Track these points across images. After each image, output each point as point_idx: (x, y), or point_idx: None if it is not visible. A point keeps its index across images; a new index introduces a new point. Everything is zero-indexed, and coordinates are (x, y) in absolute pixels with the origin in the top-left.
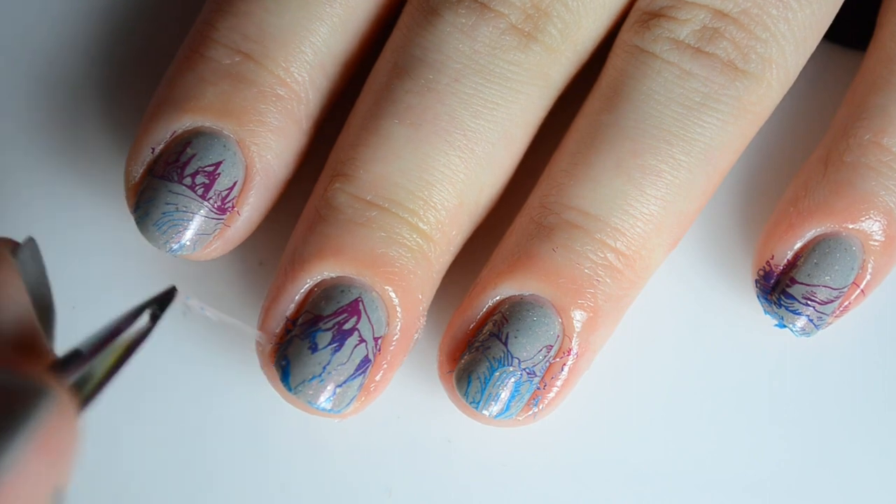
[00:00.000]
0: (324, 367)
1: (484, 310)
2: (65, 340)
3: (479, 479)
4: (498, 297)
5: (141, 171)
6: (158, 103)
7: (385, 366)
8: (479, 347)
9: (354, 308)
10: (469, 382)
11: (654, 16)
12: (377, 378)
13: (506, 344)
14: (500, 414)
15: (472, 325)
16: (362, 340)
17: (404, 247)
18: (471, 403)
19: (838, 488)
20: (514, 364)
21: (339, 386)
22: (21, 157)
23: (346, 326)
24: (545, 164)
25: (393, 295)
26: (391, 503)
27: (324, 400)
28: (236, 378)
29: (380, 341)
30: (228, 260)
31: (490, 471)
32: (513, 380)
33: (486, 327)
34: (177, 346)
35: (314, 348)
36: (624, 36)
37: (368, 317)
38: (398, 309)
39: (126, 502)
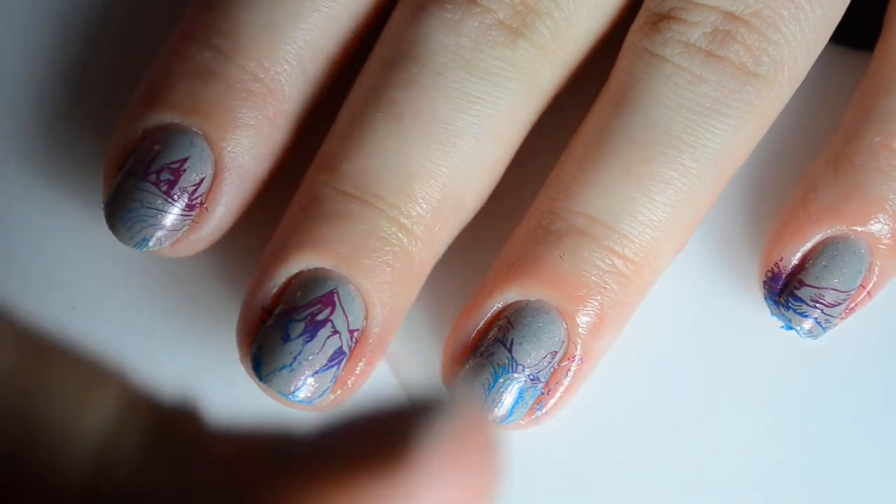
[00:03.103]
0: (294, 357)
1: (489, 314)
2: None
3: None
4: (503, 302)
5: (114, 168)
6: (133, 101)
7: (363, 359)
8: (483, 353)
9: (329, 300)
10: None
11: (664, 17)
12: (355, 371)
13: (510, 350)
14: (503, 420)
15: (476, 330)
16: (336, 332)
17: (383, 240)
18: None
19: (842, 489)
20: (518, 371)
21: (311, 377)
22: (18, 156)
23: (320, 317)
24: (550, 167)
25: (370, 288)
26: None
27: (294, 390)
28: (236, 376)
29: (356, 334)
30: (228, 260)
31: None
32: (517, 386)
33: (491, 333)
34: (173, 350)
35: (286, 338)
36: (633, 38)
37: (343, 309)
38: (376, 303)
39: None
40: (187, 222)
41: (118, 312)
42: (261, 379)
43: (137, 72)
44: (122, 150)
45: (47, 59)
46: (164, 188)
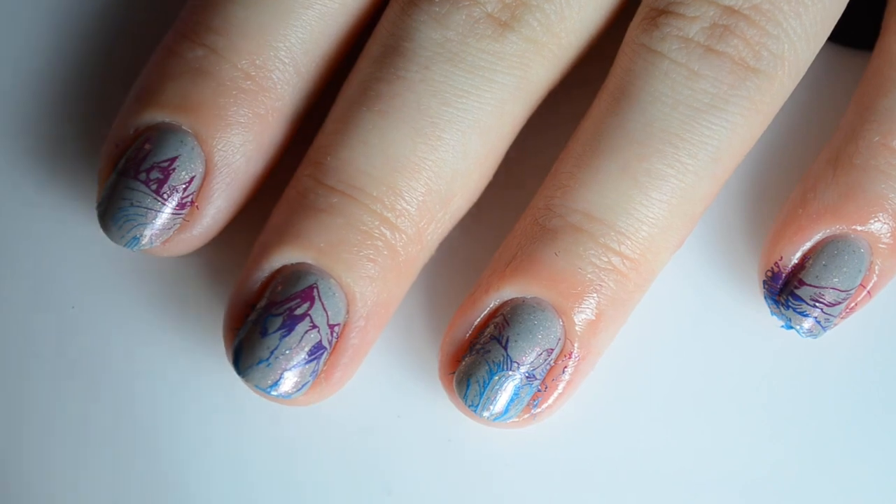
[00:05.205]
0: (271, 352)
1: (486, 312)
2: (65, 340)
3: (479, 478)
4: (499, 300)
5: (108, 167)
6: (127, 101)
7: (346, 355)
8: (479, 350)
9: (308, 294)
10: (468, 386)
11: (662, 12)
12: (337, 366)
13: (505, 348)
14: (498, 417)
15: (473, 327)
16: (314, 326)
17: (365, 234)
18: (469, 406)
19: (841, 488)
20: (513, 368)
21: (288, 371)
22: (20, 156)
23: (298, 312)
24: (551, 165)
25: (351, 283)
26: (391, 503)
27: (271, 384)
28: (234, 376)
29: (337, 329)
30: (234, 259)
31: (490, 470)
32: (512, 384)
33: (487, 330)
34: (170, 348)
35: (264, 333)
36: (632, 34)
37: (323, 304)
38: (357, 297)
39: (129, 499)
40: (178, 221)
41: (117, 312)
42: (239, 373)
43: (137, 71)
44: (116, 150)
45: (46, 60)
46: (154, 187)
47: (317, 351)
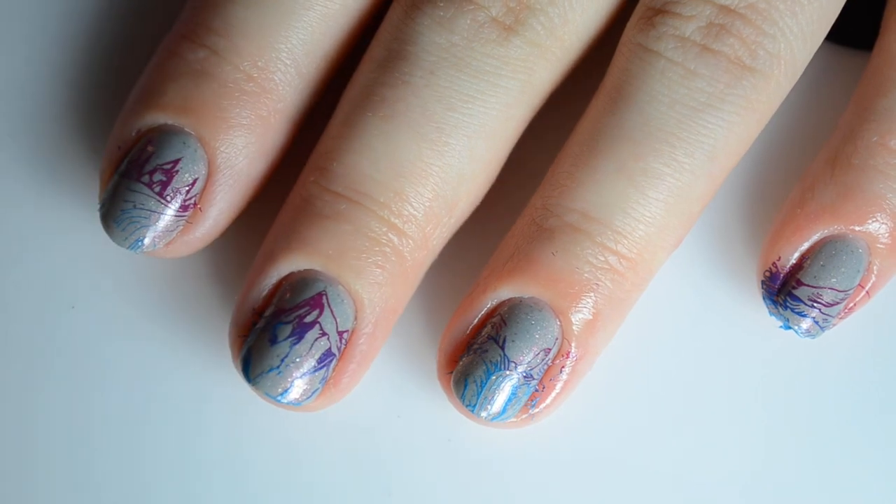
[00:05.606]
0: (282, 360)
1: (483, 312)
2: (65, 341)
3: (479, 479)
4: (497, 300)
5: (110, 169)
6: (129, 102)
7: (354, 360)
8: (476, 350)
9: (317, 301)
10: (466, 385)
11: (658, 12)
12: (345, 372)
13: (503, 347)
14: (496, 417)
15: (471, 327)
16: (324, 334)
17: (372, 240)
18: (467, 406)
19: (839, 488)
20: (510, 368)
21: (299, 378)
22: (21, 156)
23: (308, 319)
24: (549, 165)
25: (359, 289)
26: (391, 503)
27: (282, 392)
28: (234, 379)
29: (345, 335)
30: (235, 261)
31: (490, 471)
32: (510, 383)
33: (485, 330)
34: (170, 350)
35: (274, 340)
36: (628, 34)
37: (332, 311)
38: (366, 303)
39: (130, 501)
40: (181, 223)
41: (117, 312)
42: (249, 381)
43: (138, 72)
44: (118, 152)
45: (47, 60)
46: (157, 189)
47: (326, 358)
